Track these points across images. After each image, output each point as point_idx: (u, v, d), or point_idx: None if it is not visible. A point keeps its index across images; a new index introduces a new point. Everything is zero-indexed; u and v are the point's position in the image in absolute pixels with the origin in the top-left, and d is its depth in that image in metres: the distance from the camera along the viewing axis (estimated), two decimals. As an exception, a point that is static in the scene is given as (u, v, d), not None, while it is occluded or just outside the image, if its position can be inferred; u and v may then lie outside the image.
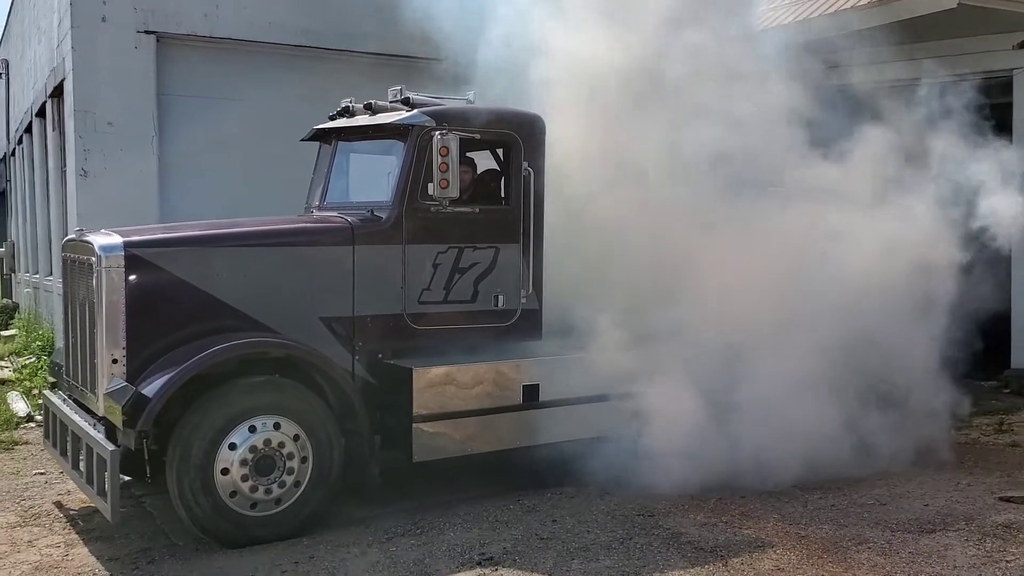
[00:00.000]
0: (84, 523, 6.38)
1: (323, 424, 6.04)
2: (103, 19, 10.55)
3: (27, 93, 16.58)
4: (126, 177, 10.64)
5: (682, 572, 5.34)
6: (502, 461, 6.91)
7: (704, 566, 5.42)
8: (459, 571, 5.37)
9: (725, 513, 6.34)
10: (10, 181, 21.47)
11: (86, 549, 5.87)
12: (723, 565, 5.43)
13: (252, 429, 5.82)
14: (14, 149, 20.04)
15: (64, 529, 6.29)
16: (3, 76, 20.44)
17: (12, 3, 19.65)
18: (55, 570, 5.54)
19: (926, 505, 6.54)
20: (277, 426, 5.89)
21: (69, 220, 11.40)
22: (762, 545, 5.74)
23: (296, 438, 5.95)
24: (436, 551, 5.68)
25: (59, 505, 6.81)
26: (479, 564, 5.46)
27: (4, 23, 21.57)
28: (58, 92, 12.44)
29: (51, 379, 7.47)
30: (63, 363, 6.82)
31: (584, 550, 5.67)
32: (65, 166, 12.26)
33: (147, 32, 10.72)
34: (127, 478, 6.68)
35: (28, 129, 16.78)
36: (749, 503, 6.54)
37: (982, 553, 5.61)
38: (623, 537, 5.89)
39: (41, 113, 14.68)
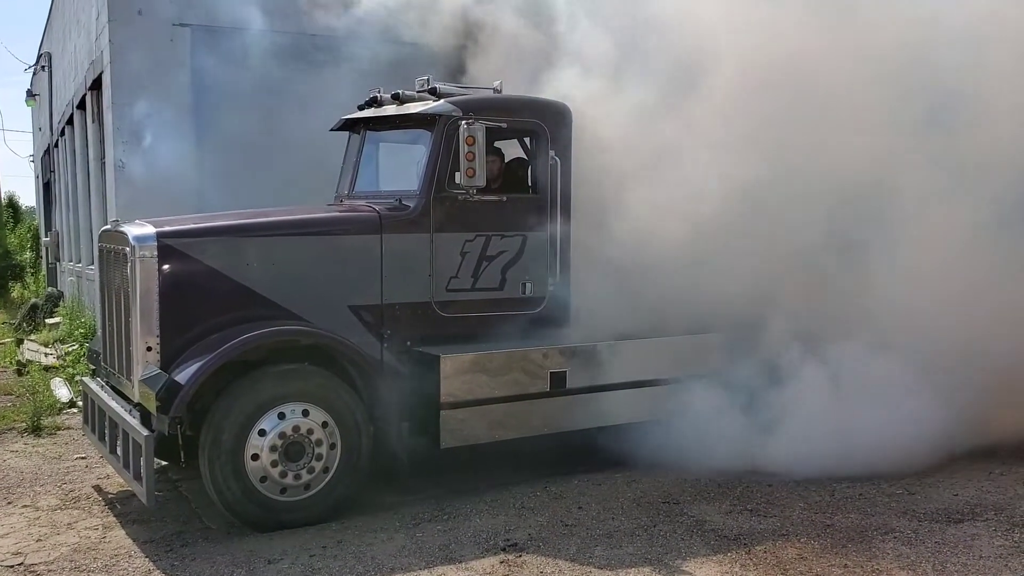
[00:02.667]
0: (122, 506, 6.55)
1: (351, 411, 6.14)
2: (139, 12, 10.72)
3: (68, 86, 16.89)
4: (163, 168, 10.79)
5: (705, 559, 5.37)
6: (531, 447, 6.96)
7: (727, 553, 5.44)
8: (483, 556, 5.45)
9: (750, 501, 6.34)
10: (54, 172, 21.90)
11: (123, 531, 6.03)
12: (746, 553, 5.45)
13: (281, 416, 5.93)
14: (57, 141, 20.43)
15: (102, 512, 6.46)
16: (46, 69, 20.82)
17: (54, -3, 19.97)
18: (93, 552, 5.70)
19: (955, 495, 6.49)
20: (306, 413, 6.00)
21: (109, 210, 11.61)
22: (786, 533, 5.74)
23: (324, 425, 6.06)
24: (462, 537, 5.76)
25: (98, 489, 6.99)
26: (503, 550, 5.53)
27: (46, 17, 21.94)
28: (97, 85, 12.67)
29: (91, 366, 7.65)
30: (100, 351, 6.99)
31: (608, 537, 5.72)
32: (104, 157, 12.50)
33: (182, 25, 10.85)
34: (163, 463, 6.85)
35: (70, 121, 17.10)
36: (775, 491, 6.53)
37: (1010, 543, 5.57)
38: (647, 524, 5.92)
39: (81, 105, 14.96)
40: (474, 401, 6.51)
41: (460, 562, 5.37)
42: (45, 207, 25.79)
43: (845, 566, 5.25)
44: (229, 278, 6.17)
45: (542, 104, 7.18)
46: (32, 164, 33.09)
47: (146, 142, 10.85)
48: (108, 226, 6.84)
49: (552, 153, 7.00)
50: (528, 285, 7.01)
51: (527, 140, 7.27)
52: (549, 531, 5.83)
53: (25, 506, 6.63)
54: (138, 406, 6.06)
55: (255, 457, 5.86)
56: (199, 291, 6.12)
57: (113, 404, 6.37)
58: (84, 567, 5.46)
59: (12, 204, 32.40)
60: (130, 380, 6.17)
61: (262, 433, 5.87)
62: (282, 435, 5.91)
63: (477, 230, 6.82)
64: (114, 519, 6.28)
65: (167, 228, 6.22)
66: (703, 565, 5.29)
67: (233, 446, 5.79)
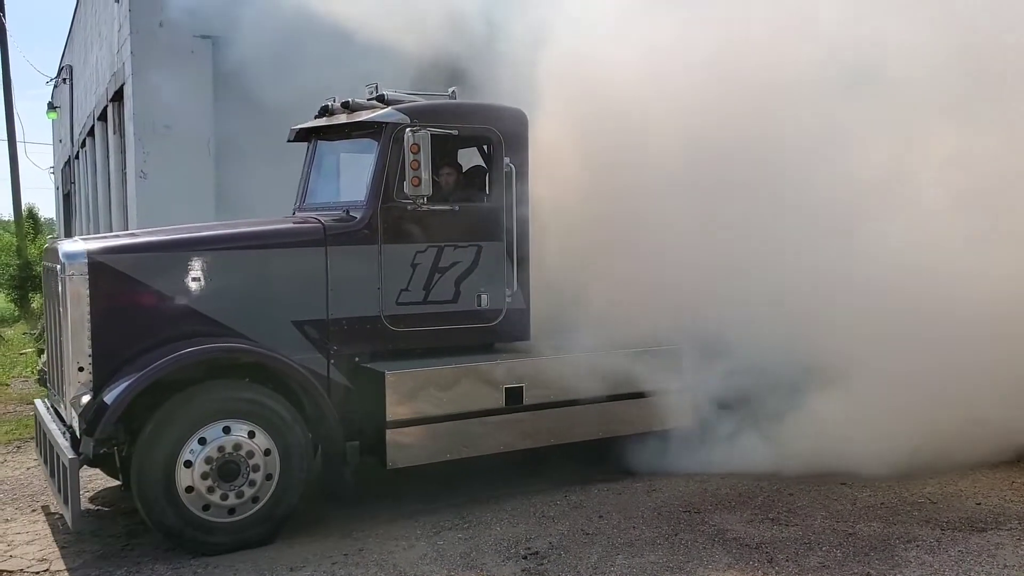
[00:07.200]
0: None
1: (291, 430, 5.93)
2: (160, 25, 10.84)
3: (89, 98, 17.09)
4: (184, 178, 10.92)
5: (727, 568, 5.36)
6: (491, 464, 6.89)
7: (749, 562, 5.43)
8: (504, 564, 5.46)
9: (772, 510, 6.32)
10: (74, 183, 22.10)
11: (146, 539, 6.05)
12: (768, 561, 5.43)
13: (215, 435, 5.73)
14: (78, 152, 20.63)
15: (125, 520, 6.49)
16: (67, 82, 21.04)
17: (75, 11, 20.23)
18: (116, 559, 5.75)
19: (978, 504, 6.45)
20: (241, 432, 5.81)
21: (129, 221, 11.74)
22: (808, 542, 5.72)
23: (261, 444, 5.84)
24: (482, 545, 5.77)
25: (121, 497, 7.02)
26: (524, 558, 5.54)
27: (68, 30, 22.18)
28: (118, 96, 12.82)
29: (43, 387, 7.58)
30: (47, 371, 6.88)
31: (629, 545, 5.71)
32: (125, 168, 12.63)
33: (203, 36, 10.96)
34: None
35: (91, 133, 17.30)
36: (796, 500, 6.51)
37: (1034, 553, 5.53)
38: (668, 533, 5.91)
39: (103, 117, 15.14)
40: (423, 419, 6.29)
41: (481, 570, 5.38)
42: (65, 218, 26.02)
43: (868, 574, 5.23)
44: (165, 295, 5.98)
45: (496, 110, 6.91)
46: (52, 176, 33.48)
47: (167, 152, 10.96)
48: (48, 243, 6.75)
49: (507, 160, 6.78)
50: (484, 297, 6.76)
51: (483, 147, 7.08)
52: (570, 539, 5.83)
53: (50, 514, 6.69)
54: (70, 427, 5.89)
55: (187, 478, 5.64)
56: (133, 309, 5.94)
57: (52, 426, 6.19)
58: (108, 574, 5.51)
59: (32, 215, 32.64)
60: (64, 401, 6.01)
61: (194, 451, 5.67)
62: (215, 454, 5.70)
63: (429, 241, 6.57)
64: (137, 527, 6.30)
65: (98, 245, 6.10)
66: (725, 574, 5.28)
67: (164, 464, 5.60)
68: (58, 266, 5.99)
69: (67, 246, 6.10)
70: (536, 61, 7.31)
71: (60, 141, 26.94)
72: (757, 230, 6.97)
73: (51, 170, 34.05)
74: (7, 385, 12.48)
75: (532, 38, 7.31)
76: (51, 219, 39.43)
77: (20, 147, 25.98)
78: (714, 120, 6.95)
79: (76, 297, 5.81)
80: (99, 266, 5.86)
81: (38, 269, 24.61)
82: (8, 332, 18.77)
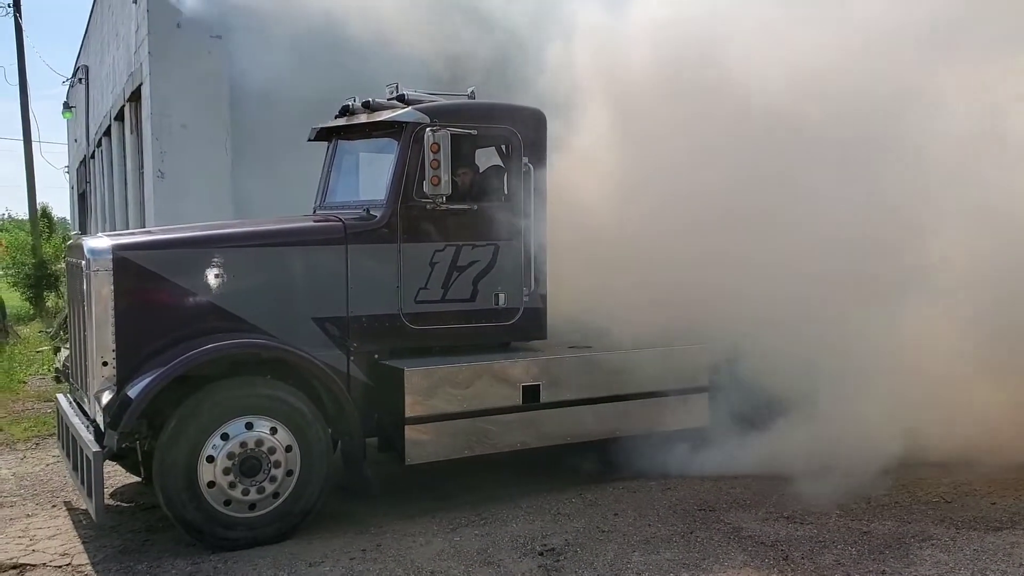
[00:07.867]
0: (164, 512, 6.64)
1: (311, 426, 5.99)
2: (178, 25, 10.90)
3: (106, 98, 17.19)
4: (201, 177, 10.98)
5: (742, 565, 5.39)
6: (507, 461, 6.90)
7: (764, 560, 5.46)
8: (521, 561, 5.50)
9: (786, 508, 6.34)
10: (90, 183, 22.24)
11: (167, 535, 6.12)
12: (783, 559, 5.46)
13: (238, 430, 5.79)
14: (94, 152, 20.76)
15: (145, 515, 6.57)
16: (83, 82, 21.17)
17: (92, 11, 20.37)
18: (137, 553, 5.82)
19: (993, 503, 6.45)
20: (264, 428, 5.87)
21: (147, 220, 11.82)
22: (823, 540, 5.74)
23: (282, 439, 5.90)
24: (499, 541, 5.81)
25: (140, 493, 7.10)
26: (541, 555, 5.58)
27: (84, 30, 22.33)
28: (136, 96, 12.90)
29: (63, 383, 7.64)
30: (70, 366, 6.96)
31: (645, 543, 5.75)
32: (142, 168, 12.71)
33: (220, 36, 11.02)
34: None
35: (107, 132, 17.41)
36: (811, 499, 6.51)
37: (1050, 552, 5.54)
38: (684, 531, 5.95)
39: (120, 117, 15.23)
40: (441, 416, 6.33)
41: (498, 566, 5.43)
42: (80, 217, 26.19)
43: (883, 572, 5.26)
44: (188, 291, 6.06)
45: (514, 110, 6.99)
46: (67, 175, 33.68)
47: (184, 152, 11.02)
48: (71, 240, 6.81)
49: (525, 160, 6.83)
50: (501, 296, 6.82)
51: (502, 147, 7.12)
52: (586, 537, 5.87)
53: (71, 509, 6.76)
54: (94, 421, 5.97)
55: (209, 473, 5.72)
56: (157, 305, 6.02)
57: (75, 420, 6.28)
58: (129, 568, 5.57)
59: (46, 214, 32.86)
60: (88, 395, 6.11)
61: (217, 446, 5.73)
62: (237, 450, 5.77)
63: (447, 240, 6.64)
64: (156, 522, 6.37)
65: (123, 241, 6.20)
66: (741, 571, 5.32)
67: (186, 459, 5.67)
68: (83, 262, 6.06)
69: (92, 242, 6.18)
70: (552, 56, 7.37)
71: (75, 141, 27.13)
72: (785, 228, 6.95)
73: (66, 169, 34.27)
74: (24, 383, 12.61)
75: (552, 34, 7.36)
76: (64, 218, 39.65)
77: (35, 146, 26.11)
78: (739, 110, 6.94)
79: (100, 292, 5.89)
80: (123, 262, 5.95)
81: (53, 268, 24.85)
82: (24, 330, 18.91)
